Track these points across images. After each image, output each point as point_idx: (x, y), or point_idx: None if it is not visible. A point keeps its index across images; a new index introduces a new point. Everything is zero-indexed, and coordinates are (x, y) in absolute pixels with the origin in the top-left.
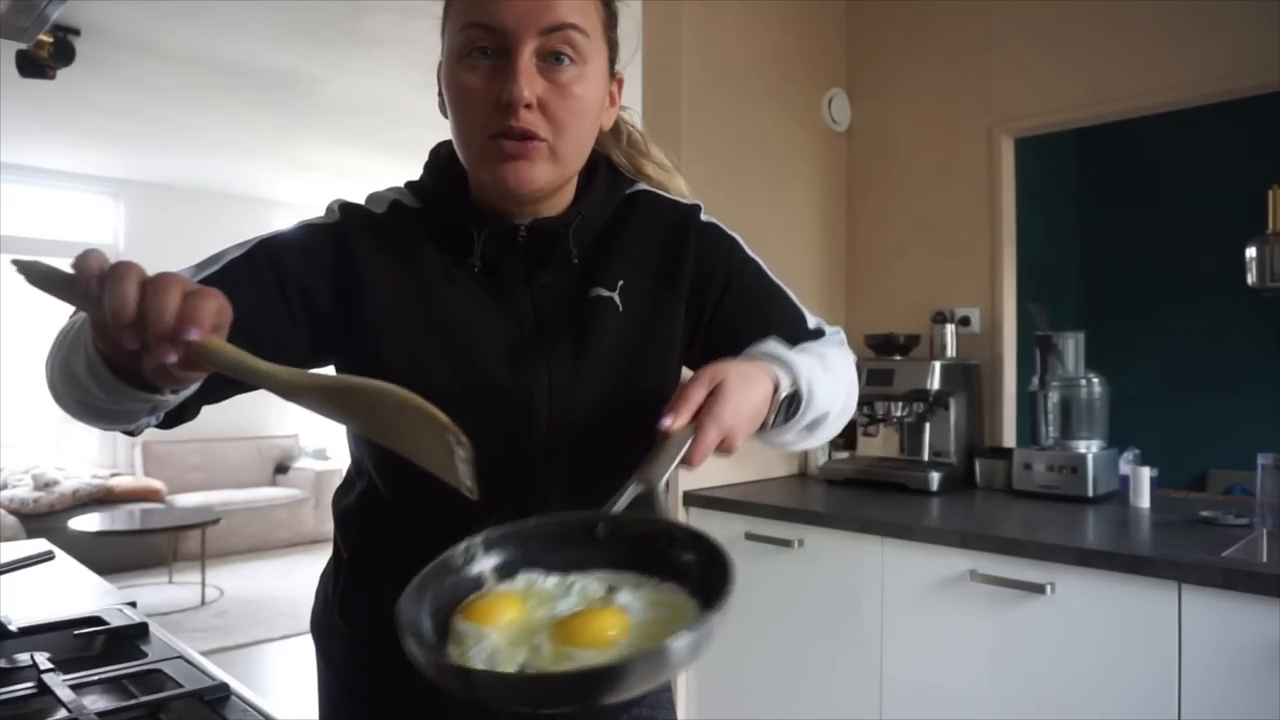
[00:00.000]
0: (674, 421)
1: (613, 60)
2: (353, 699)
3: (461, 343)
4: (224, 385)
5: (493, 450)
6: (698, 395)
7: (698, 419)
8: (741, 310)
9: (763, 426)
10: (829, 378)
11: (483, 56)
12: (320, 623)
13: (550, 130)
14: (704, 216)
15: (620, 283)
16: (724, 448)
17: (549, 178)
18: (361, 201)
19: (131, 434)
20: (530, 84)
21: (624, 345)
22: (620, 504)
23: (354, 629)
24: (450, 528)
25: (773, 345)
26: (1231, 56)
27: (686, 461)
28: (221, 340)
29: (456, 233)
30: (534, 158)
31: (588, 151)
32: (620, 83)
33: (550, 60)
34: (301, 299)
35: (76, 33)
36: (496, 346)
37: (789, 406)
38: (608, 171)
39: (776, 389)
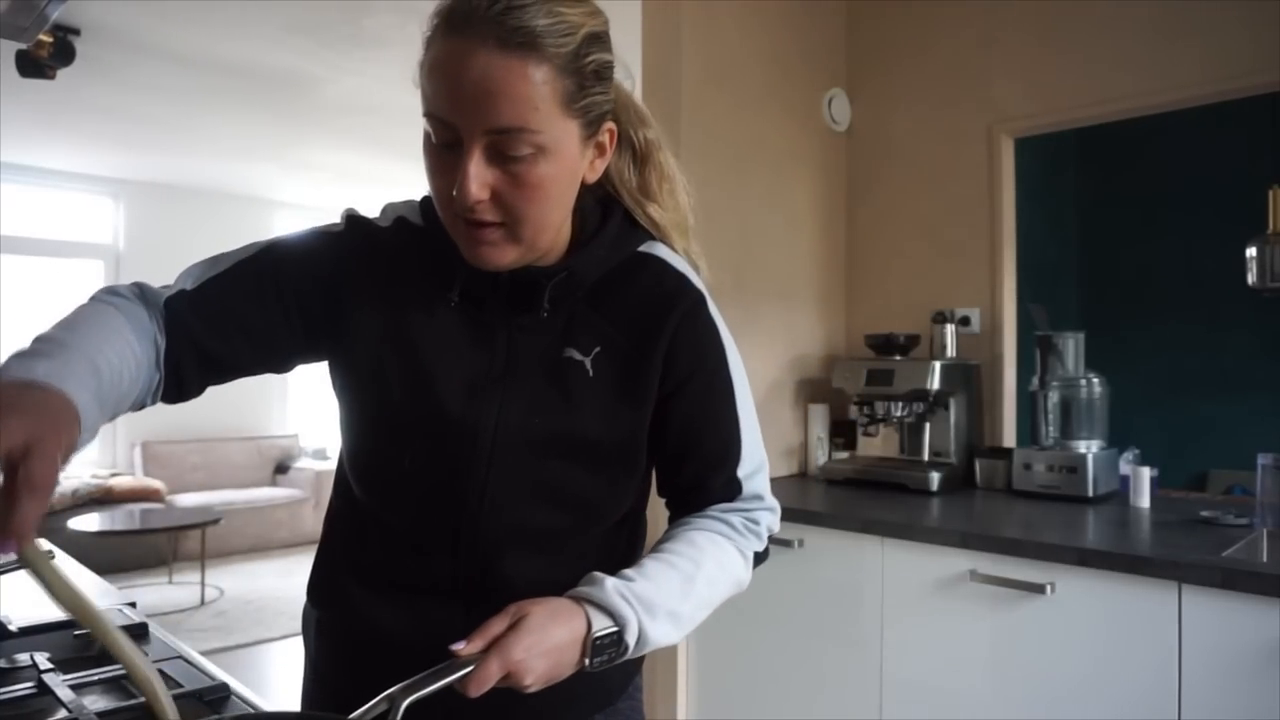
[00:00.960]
0: (465, 647)
1: (594, 120)
2: (322, 683)
3: (425, 366)
4: (229, 370)
5: (440, 475)
6: (496, 627)
7: (488, 650)
8: (682, 410)
9: (584, 659)
10: (682, 609)
11: (443, 144)
12: (305, 606)
13: (506, 217)
14: (710, 308)
15: (596, 349)
16: (512, 682)
17: (514, 255)
18: (373, 211)
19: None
20: (480, 180)
21: (590, 407)
22: (364, 714)
23: (322, 614)
24: (412, 542)
25: (606, 591)
26: (1231, 56)
27: (464, 689)
28: (38, 550)
29: (444, 261)
30: (495, 241)
31: (559, 221)
32: (612, 133)
33: (504, 152)
34: (297, 303)
35: (76, 33)
36: (459, 376)
37: (618, 643)
38: (623, 223)
39: (591, 628)
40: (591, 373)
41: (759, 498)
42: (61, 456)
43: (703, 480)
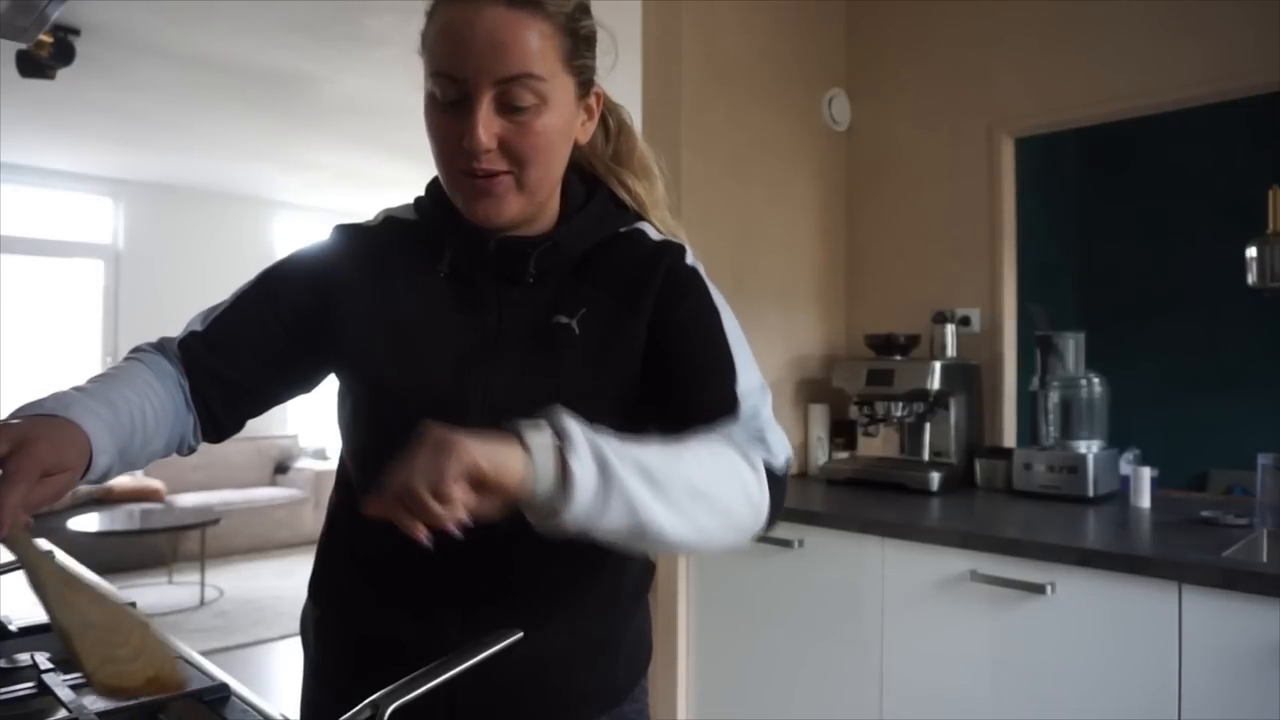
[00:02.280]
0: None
1: (585, 82)
2: (322, 683)
3: (414, 340)
4: (255, 396)
5: None
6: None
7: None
8: (668, 341)
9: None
10: (660, 471)
11: (449, 101)
12: (305, 607)
13: (514, 165)
14: (688, 259)
15: (582, 310)
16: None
17: (518, 209)
18: (365, 218)
19: (180, 453)
20: (489, 129)
21: (580, 369)
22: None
23: (323, 612)
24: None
25: (555, 414)
26: (1231, 56)
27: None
28: (20, 529)
29: (434, 241)
30: (500, 192)
31: (558, 176)
32: (599, 96)
33: (510, 102)
34: (291, 313)
35: (76, 33)
36: (448, 349)
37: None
38: (607, 203)
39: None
40: (578, 332)
41: (753, 416)
42: (57, 466)
43: (692, 401)
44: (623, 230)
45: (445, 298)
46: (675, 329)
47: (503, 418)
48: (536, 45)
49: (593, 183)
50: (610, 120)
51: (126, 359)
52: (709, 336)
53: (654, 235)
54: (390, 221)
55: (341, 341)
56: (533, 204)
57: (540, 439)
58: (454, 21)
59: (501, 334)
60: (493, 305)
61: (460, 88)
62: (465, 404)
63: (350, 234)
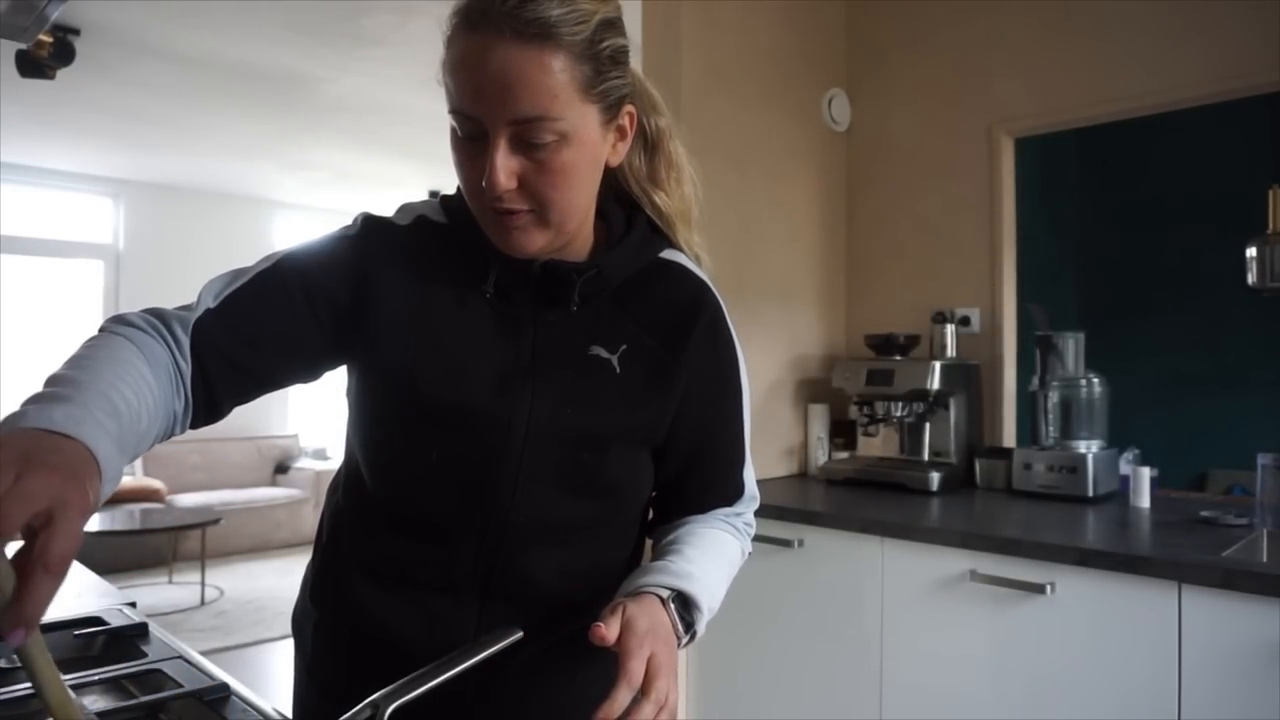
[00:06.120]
0: (606, 631)
1: (613, 104)
2: (318, 686)
3: (455, 356)
4: (263, 383)
5: (469, 467)
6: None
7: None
8: (697, 415)
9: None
10: (716, 607)
11: (468, 136)
12: (297, 609)
13: (534, 203)
14: (727, 318)
15: (623, 347)
16: (653, 667)
17: (544, 242)
18: (389, 212)
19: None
20: (506, 169)
21: (620, 408)
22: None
23: (322, 613)
24: (434, 535)
25: (695, 585)
26: (1231, 56)
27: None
28: (39, 641)
29: (474, 256)
30: (524, 226)
31: (587, 205)
32: (631, 115)
33: (529, 139)
34: (327, 306)
35: (76, 33)
36: (487, 368)
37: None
38: (645, 230)
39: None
40: (619, 370)
41: (753, 496)
42: (84, 520)
43: (710, 482)
44: (661, 258)
45: (486, 316)
46: (705, 409)
47: (542, 443)
48: (551, 82)
49: (630, 205)
50: (647, 130)
51: (112, 334)
52: (732, 421)
53: (692, 268)
54: (422, 223)
55: (378, 347)
56: (561, 235)
57: (686, 621)
58: (466, 58)
59: (538, 357)
60: (528, 327)
61: (476, 126)
62: (508, 427)
63: (384, 230)
